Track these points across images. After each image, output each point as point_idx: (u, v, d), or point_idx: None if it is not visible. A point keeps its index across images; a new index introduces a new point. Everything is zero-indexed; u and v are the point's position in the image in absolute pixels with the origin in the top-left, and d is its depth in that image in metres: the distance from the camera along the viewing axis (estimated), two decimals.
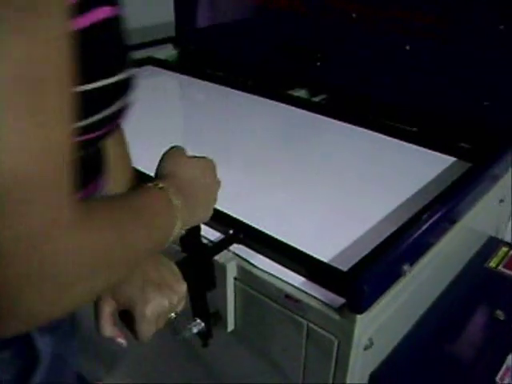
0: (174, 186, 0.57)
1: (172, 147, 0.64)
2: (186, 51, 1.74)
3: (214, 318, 0.82)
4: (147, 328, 0.58)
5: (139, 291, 0.59)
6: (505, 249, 1.07)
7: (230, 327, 0.83)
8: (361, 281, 0.67)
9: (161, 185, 0.55)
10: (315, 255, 0.77)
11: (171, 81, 1.60)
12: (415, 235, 0.77)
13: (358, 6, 1.30)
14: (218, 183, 0.66)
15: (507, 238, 1.19)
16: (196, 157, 0.64)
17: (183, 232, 0.61)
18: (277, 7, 1.43)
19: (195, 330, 0.79)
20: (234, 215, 0.85)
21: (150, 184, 0.56)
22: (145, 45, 1.72)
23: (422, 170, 1.06)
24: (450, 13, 1.15)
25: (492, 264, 1.03)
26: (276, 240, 0.80)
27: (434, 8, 1.18)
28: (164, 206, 0.55)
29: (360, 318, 0.67)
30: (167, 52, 1.75)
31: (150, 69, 1.63)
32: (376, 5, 1.27)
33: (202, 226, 0.80)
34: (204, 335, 0.81)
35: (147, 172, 0.92)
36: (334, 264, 0.76)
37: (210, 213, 0.65)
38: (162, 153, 0.64)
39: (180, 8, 1.68)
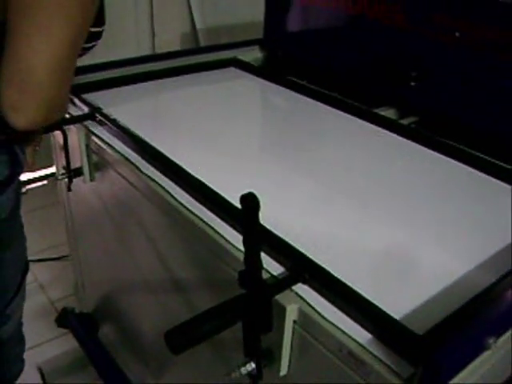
0: None
1: None
2: (272, 55, 1.68)
3: (266, 359, 0.76)
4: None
5: None
6: None
7: (283, 371, 0.76)
8: (438, 354, 0.58)
9: None
10: (386, 310, 0.68)
11: (252, 85, 1.53)
12: (507, 301, 0.67)
13: (464, 23, 1.18)
14: None
15: None
16: None
17: None
18: (374, 18, 1.34)
19: (245, 371, 0.73)
20: (301, 249, 0.78)
21: None
22: (231, 45, 1.68)
23: None
24: None
25: None
26: (343, 285, 0.71)
27: None
28: None
29: None
30: (253, 54, 1.69)
31: (232, 71, 1.58)
32: (484, 24, 1.15)
33: (264, 257, 0.74)
34: (254, 377, 0.74)
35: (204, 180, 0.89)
36: (408, 323, 0.67)
37: None
38: None
39: (270, 11, 1.62)
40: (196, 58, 1.59)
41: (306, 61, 1.59)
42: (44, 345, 1.80)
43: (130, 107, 1.31)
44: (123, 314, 1.38)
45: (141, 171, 1.01)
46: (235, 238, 0.81)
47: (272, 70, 1.59)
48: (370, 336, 0.66)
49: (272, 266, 0.77)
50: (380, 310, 0.68)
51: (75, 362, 1.68)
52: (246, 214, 0.63)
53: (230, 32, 2.36)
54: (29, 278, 2.11)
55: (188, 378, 1.10)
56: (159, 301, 1.13)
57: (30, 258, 2.12)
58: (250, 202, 0.62)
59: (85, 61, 1.51)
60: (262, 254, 0.69)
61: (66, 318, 1.63)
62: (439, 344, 0.60)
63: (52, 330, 1.76)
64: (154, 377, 1.31)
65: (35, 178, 2.00)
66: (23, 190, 1.13)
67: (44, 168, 1.90)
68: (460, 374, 0.61)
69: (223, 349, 0.88)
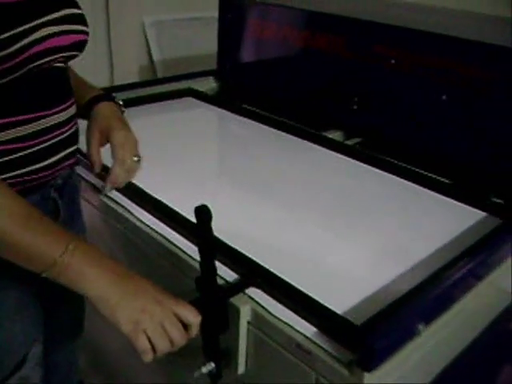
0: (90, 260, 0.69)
1: None
2: (225, 85, 1.77)
3: (224, 359, 0.82)
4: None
5: None
6: None
7: (241, 370, 0.83)
8: (371, 338, 0.66)
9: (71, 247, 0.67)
10: (329, 305, 0.76)
11: (208, 114, 1.62)
12: (433, 294, 0.76)
13: (398, 52, 1.30)
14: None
15: None
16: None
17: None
18: (318, 49, 1.45)
19: (205, 371, 0.79)
20: (253, 257, 0.85)
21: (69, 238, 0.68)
22: (187, 76, 1.77)
23: (450, 224, 1.04)
24: (489, 65, 1.15)
25: None
26: (290, 286, 0.79)
27: (474, 59, 1.17)
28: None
29: (368, 377, 0.66)
30: (208, 84, 1.79)
31: (189, 100, 1.67)
32: (415, 52, 1.27)
33: (219, 265, 0.81)
34: (213, 376, 0.81)
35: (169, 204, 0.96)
36: (350, 317, 0.75)
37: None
38: None
39: (223, 43, 1.72)
40: (154, 88, 1.67)
41: (256, 89, 1.69)
42: None
43: None
44: (92, 334, 1.42)
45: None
46: (193, 251, 0.88)
47: (226, 99, 1.68)
48: (315, 329, 0.74)
49: (227, 274, 0.84)
50: (322, 305, 0.76)
51: None
52: (200, 223, 0.71)
53: (186, 63, 2.45)
54: None
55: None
56: None
57: None
58: (204, 212, 0.70)
59: None
60: (218, 264, 0.76)
61: None
62: (373, 332, 0.69)
63: None
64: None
65: None
66: None
67: None
68: (393, 357, 0.70)
69: (184, 353, 0.94)
